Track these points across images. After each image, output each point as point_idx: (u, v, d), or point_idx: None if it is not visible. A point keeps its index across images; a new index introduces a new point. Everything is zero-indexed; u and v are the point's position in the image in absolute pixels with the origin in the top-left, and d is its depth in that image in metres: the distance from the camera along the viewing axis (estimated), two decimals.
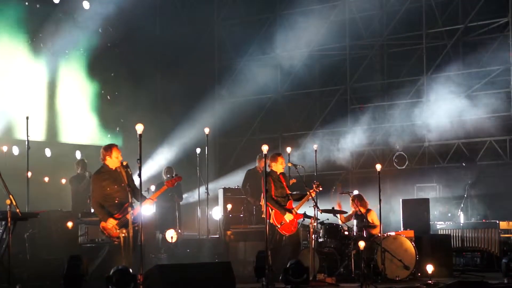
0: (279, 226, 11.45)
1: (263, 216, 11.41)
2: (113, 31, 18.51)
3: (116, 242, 10.07)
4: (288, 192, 11.76)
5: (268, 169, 11.51)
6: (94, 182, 10.29)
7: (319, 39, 20.08)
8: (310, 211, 12.05)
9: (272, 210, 11.40)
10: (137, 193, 9.83)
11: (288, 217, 11.51)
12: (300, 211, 11.84)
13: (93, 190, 10.28)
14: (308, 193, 11.71)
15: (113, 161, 10.20)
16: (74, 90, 18.14)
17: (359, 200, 13.03)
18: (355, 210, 12.91)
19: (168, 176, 14.87)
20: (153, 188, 14.75)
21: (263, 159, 10.44)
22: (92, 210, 11.17)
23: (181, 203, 15.36)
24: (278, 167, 11.69)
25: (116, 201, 10.14)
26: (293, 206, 11.73)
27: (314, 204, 11.95)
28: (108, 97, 18.95)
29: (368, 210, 13.00)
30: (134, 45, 19.52)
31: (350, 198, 13.05)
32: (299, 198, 11.80)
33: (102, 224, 10.08)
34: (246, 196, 14.28)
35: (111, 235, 10.04)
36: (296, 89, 20.66)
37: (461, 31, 18.51)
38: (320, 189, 11.87)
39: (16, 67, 16.78)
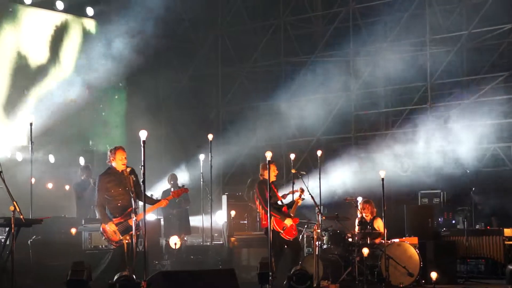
0: (282, 232, 11.47)
1: (264, 222, 11.48)
2: (115, 39, 18.57)
3: (114, 247, 10.08)
4: (280, 198, 11.85)
5: (260, 178, 11.74)
6: (99, 183, 10.29)
7: (323, 45, 20.11)
8: (314, 218, 12.05)
9: (272, 217, 11.38)
10: (141, 197, 9.77)
11: (288, 222, 11.57)
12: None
13: (98, 190, 10.28)
14: (298, 198, 11.76)
15: (118, 163, 10.21)
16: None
17: (369, 204, 13.01)
18: (361, 215, 12.89)
19: (172, 183, 14.87)
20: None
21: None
22: (97, 215, 11.17)
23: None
24: (271, 174, 11.72)
25: (119, 204, 10.12)
26: None
27: (318, 210, 11.94)
28: (103, 113, 19.04)
29: (375, 217, 12.97)
30: (138, 52, 19.56)
31: (361, 202, 13.02)
32: (289, 207, 11.85)
33: (102, 226, 10.07)
34: (248, 201, 14.29)
35: (110, 238, 10.03)
36: (300, 95, 20.66)
37: (465, 37, 18.47)
38: (303, 197, 11.86)
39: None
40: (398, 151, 18.84)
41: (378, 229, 12.69)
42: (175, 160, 19.40)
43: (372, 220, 12.83)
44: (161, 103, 21.26)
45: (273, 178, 11.69)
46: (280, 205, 11.79)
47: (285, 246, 11.71)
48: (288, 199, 12.11)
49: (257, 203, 11.73)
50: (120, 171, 10.19)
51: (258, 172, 13.92)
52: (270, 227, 10.49)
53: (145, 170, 9.26)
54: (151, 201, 10.48)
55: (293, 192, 12.10)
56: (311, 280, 10.50)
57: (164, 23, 21.12)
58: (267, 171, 10.61)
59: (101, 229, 10.14)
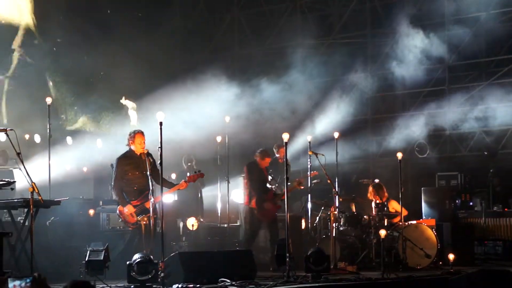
0: (256, 210, 12.35)
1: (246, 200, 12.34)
2: (133, 20, 18.55)
3: (131, 228, 10.15)
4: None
5: (255, 158, 12.58)
6: (117, 165, 10.39)
7: (340, 27, 20.01)
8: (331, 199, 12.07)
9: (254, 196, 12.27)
10: (159, 181, 9.75)
11: (267, 206, 12.35)
12: None
13: (115, 173, 10.35)
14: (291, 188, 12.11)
15: (137, 146, 10.28)
16: None
17: (377, 190, 12.98)
18: (374, 200, 12.87)
19: (189, 164, 14.87)
20: (173, 176, 14.76)
21: (283, 148, 10.43)
22: (114, 197, 11.25)
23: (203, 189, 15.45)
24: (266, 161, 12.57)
25: (135, 188, 10.21)
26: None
27: (335, 192, 11.95)
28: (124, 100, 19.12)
29: (388, 199, 12.95)
30: (154, 33, 19.54)
31: (371, 190, 13.02)
32: (275, 194, 12.55)
33: (120, 208, 10.16)
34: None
35: (127, 220, 10.12)
36: (316, 78, 20.58)
37: (484, 17, 18.23)
38: (302, 187, 12.61)
39: None
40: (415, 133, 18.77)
41: (394, 210, 12.70)
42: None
43: (386, 202, 12.82)
44: (178, 84, 21.21)
45: (266, 165, 12.49)
46: (268, 188, 12.44)
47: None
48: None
49: (245, 181, 12.52)
50: (138, 154, 10.25)
51: (272, 153, 14.01)
52: (287, 209, 10.46)
53: (162, 152, 9.30)
54: (169, 184, 10.52)
55: (309, 176, 12.21)
56: (328, 262, 10.51)
57: (180, 5, 21.13)
58: (285, 150, 10.62)
59: (117, 211, 10.23)
